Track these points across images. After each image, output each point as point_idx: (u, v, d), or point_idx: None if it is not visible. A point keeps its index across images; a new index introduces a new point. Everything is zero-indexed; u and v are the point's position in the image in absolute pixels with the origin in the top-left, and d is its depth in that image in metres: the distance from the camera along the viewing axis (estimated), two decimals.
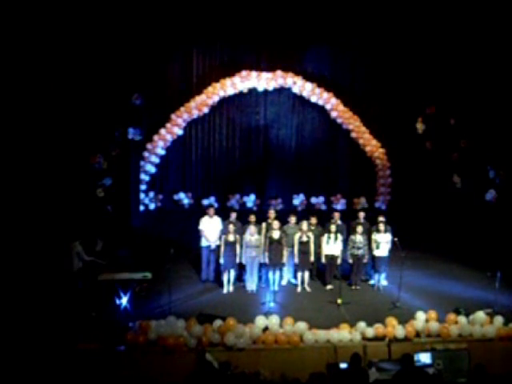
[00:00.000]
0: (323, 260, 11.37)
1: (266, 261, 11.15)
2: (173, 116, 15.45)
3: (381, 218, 11.59)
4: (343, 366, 7.73)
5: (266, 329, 8.94)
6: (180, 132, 15.61)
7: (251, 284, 11.12)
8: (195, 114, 15.62)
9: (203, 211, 12.17)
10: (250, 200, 16.10)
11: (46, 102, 11.36)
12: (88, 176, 12.63)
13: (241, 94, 15.97)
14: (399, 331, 8.97)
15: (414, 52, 14.99)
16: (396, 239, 10.93)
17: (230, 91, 15.76)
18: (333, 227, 11.34)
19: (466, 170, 14.66)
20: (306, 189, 16.50)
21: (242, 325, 8.83)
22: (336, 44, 15.97)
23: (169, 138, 15.43)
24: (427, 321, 9.29)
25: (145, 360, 8.34)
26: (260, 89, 15.96)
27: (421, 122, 15.37)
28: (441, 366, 8.16)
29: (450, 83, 14.50)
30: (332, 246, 11.25)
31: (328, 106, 16.26)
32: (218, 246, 11.24)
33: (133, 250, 11.63)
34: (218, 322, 8.92)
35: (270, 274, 11.03)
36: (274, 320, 9.07)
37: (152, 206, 15.37)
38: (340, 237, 11.31)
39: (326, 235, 11.31)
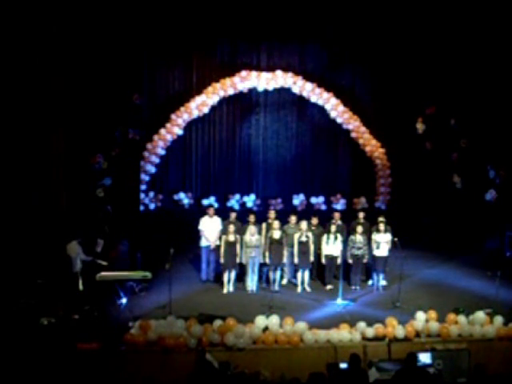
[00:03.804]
0: (323, 260, 11.37)
1: (267, 261, 11.16)
2: (173, 116, 15.47)
3: (381, 218, 11.58)
4: (343, 366, 7.72)
5: (266, 329, 8.93)
6: (180, 132, 15.63)
7: (251, 284, 11.12)
8: (195, 113, 15.63)
9: (203, 211, 12.17)
10: (250, 200, 16.12)
11: (47, 102, 11.35)
12: (88, 176, 12.62)
13: (241, 93, 15.99)
14: (399, 331, 8.96)
15: (414, 52, 15.00)
16: (396, 239, 10.94)
17: (230, 91, 15.78)
18: (333, 227, 11.34)
19: (465, 170, 14.67)
20: (306, 189, 16.54)
21: (242, 325, 8.82)
22: (336, 44, 15.98)
23: (169, 137, 15.45)
24: (427, 321, 9.28)
25: (145, 360, 8.34)
26: (260, 89, 15.98)
27: (421, 122, 15.38)
28: (441, 366, 8.16)
29: (450, 83, 14.51)
30: (332, 246, 11.24)
31: (328, 106, 16.27)
32: (218, 246, 11.23)
33: (132, 246, 11.62)
34: (217, 322, 8.91)
35: (270, 273, 11.08)
36: (273, 320, 9.06)
37: (152, 206, 15.38)
38: (340, 237, 11.30)
39: (325, 235, 11.31)
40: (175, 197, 15.79)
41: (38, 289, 10.00)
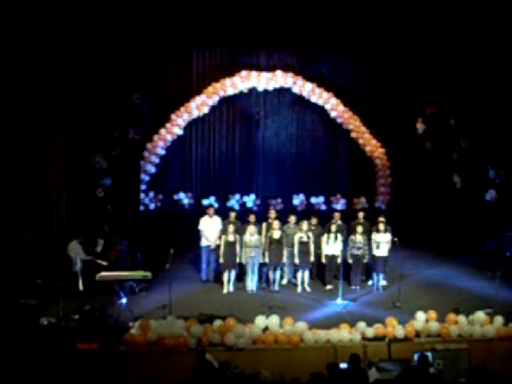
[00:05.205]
0: (323, 260, 11.37)
1: (267, 261, 11.16)
2: (173, 116, 15.47)
3: (381, 218, 11.58)
4: (343, 366, 7.72)
5: (266, 329, 8.94)
6: (180, 132, 15.63)
7: (251, 284, 11.12)
8: (195, 113, 15.64)
9: (203, 211, 12.17)
10: (250, 200, 16.12)
11: (47, 101, 11.35)
12: (88, 176, 12.63)
13: (241, 94, 15.99)
14: (399, 331, 8.97)
15: (414, 52, 14.99)
16: (396, 239, 10.94)
17: (230, 91, 15.79)
18: (333, 227, 11.34)
19: (466, 170, 14.67)
20: (306, 189, 16.54)
21: (242, 325, 8.82)
22: (336, 44, 15.98)
23: (169, 138, 15.45)
24: (427, 321, 9.28)
25: (145, 360, 8.34)
26: (260, 89, 15.98)
27: (421, 122, 15.37)
28: (441, 366, 8.17)
29: (450, 83, 14.50)
30: (332, 246, 11.25)
31: (328, 106, 16.27)
32: (218, 246, 11.23)
33: (132, 246, 11.64)
34: (217, 322, 8.92)
35: (270, 273, 11.09)
36: (273, 320, 9.06)
37: (152, 206, 15.38)
38: (340, 237, 11.31)
39: (325, 235, 11.31)
40: (175, 197, 15.79)
41: (38, 289, 10.00)
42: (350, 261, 11.37)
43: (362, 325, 9.10)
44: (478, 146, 14.30)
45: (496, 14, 13.05)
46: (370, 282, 11.63)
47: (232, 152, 16.43)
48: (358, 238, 11.25)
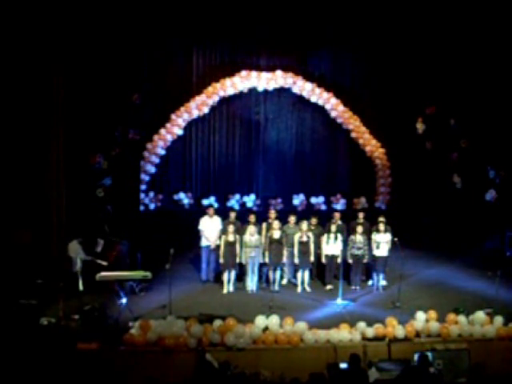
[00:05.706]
0: (323, 260, 11.38)
1: (267, 261, 11.17)
2: (173, 116, 15.47)
3: (381, 218, 11.59)
4: (343, 366, 7.73)
5: (266, 329, 8.94)
6: (180, 132, 15.63)
7: (251, 284, 11.12)
8: (195, 113, 15.64)
9: (203, 211, 12.17)
10: (250, 200, 16.13)
11: (47, 101, 11.36)
12: (88, 176, 12.63)
13: (241, 93, 15.99)
14: (399, 331, 8.97)
15: (414, 52, 14.99)
16: (396, 239, 10.94)
17: (230, 91, 15.78)
18: (333, 227, 11.35)
19: (466, 170, 14.67)
20: (306, 189, 16.54)
21: (242, 325, 8.83)
22: (336, 44, 15.98)
23: (169, 137, 15.45)
24: (427, 321, 9.29)
25: (145, 360, 8.34)
26: (260, 89, 15.98)
27: (421, 122, 15.37)
28: (441, 366, 8.17)
29: (450, 83, 14.51)
30: (332, 246, 11.25)
31: (328, 106, 16.27)
32: (218, 246, 11.24)
33: (132, 246, 11.65)
34: (217, 322, 8.92)
35: (270, 273, 11.08)
36: (273, 320, 9.07)
37: (152, 206, 15.38)
38: (340, 237, 11.31)
39: (325, 235, 11.32)
40: (175, 197, 15.79)
41: (38, 289, 10.01)
42: (350, 261, 11.37)
43: (362, 325, 9.10)
44: (478, 146, 14.31)
45: (496, 14, 13.05)
46: (370, 282, 11.63)
47: (232, 152, 16.43)
48: (358, 238, 11.25)
